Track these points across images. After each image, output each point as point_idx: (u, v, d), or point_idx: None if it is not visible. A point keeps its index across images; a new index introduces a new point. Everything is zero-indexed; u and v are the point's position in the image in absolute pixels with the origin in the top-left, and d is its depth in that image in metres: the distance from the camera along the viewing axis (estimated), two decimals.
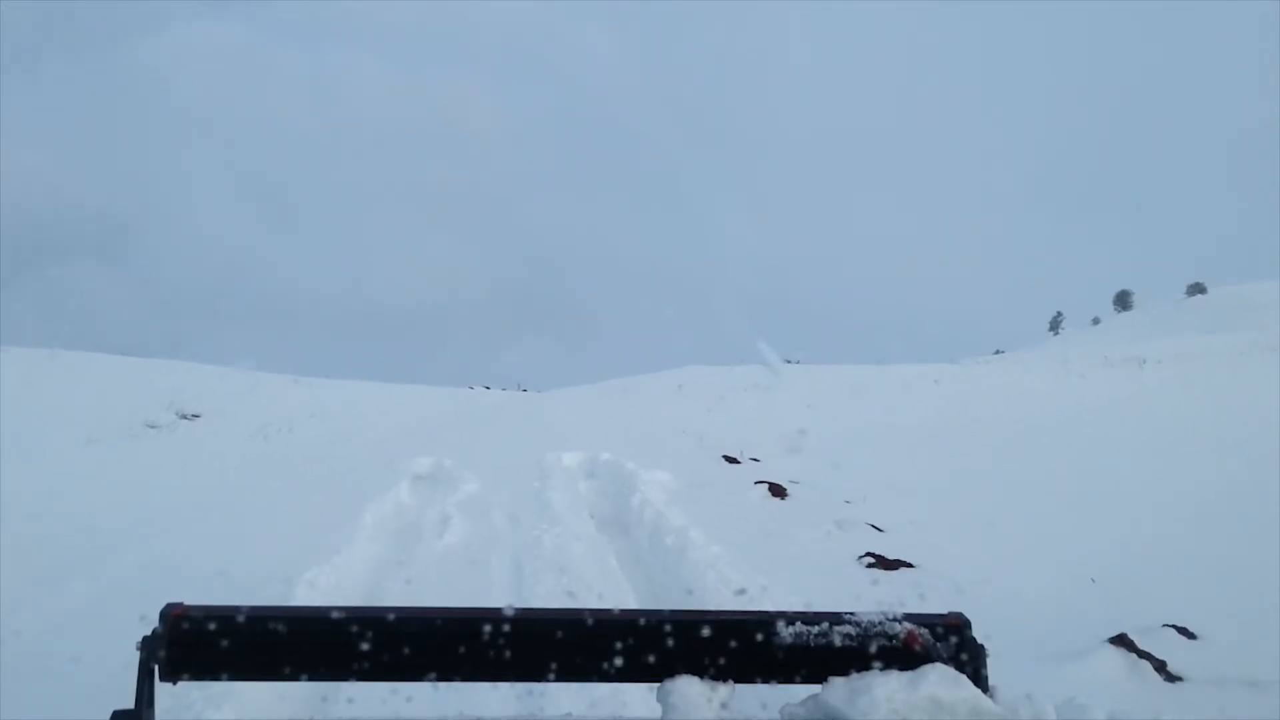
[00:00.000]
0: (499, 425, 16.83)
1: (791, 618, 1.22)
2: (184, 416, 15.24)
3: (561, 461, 12.06)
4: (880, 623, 1.22)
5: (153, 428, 13.83)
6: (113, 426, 13.70)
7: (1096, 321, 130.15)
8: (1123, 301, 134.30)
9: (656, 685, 1.23)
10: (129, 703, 1.15)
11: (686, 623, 1.22)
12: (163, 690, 1.16)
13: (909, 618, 1.23)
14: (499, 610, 1.21)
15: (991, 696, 1.17)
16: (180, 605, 1.21)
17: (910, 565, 6.47)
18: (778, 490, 9.43)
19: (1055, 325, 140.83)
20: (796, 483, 10.05)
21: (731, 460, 11.73)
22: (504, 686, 1.42)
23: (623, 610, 1.28)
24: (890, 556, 6.57)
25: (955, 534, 7.64)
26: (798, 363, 28.79)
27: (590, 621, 1.23)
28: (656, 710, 1.21)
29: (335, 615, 1.21)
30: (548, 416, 18.04)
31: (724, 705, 1.20)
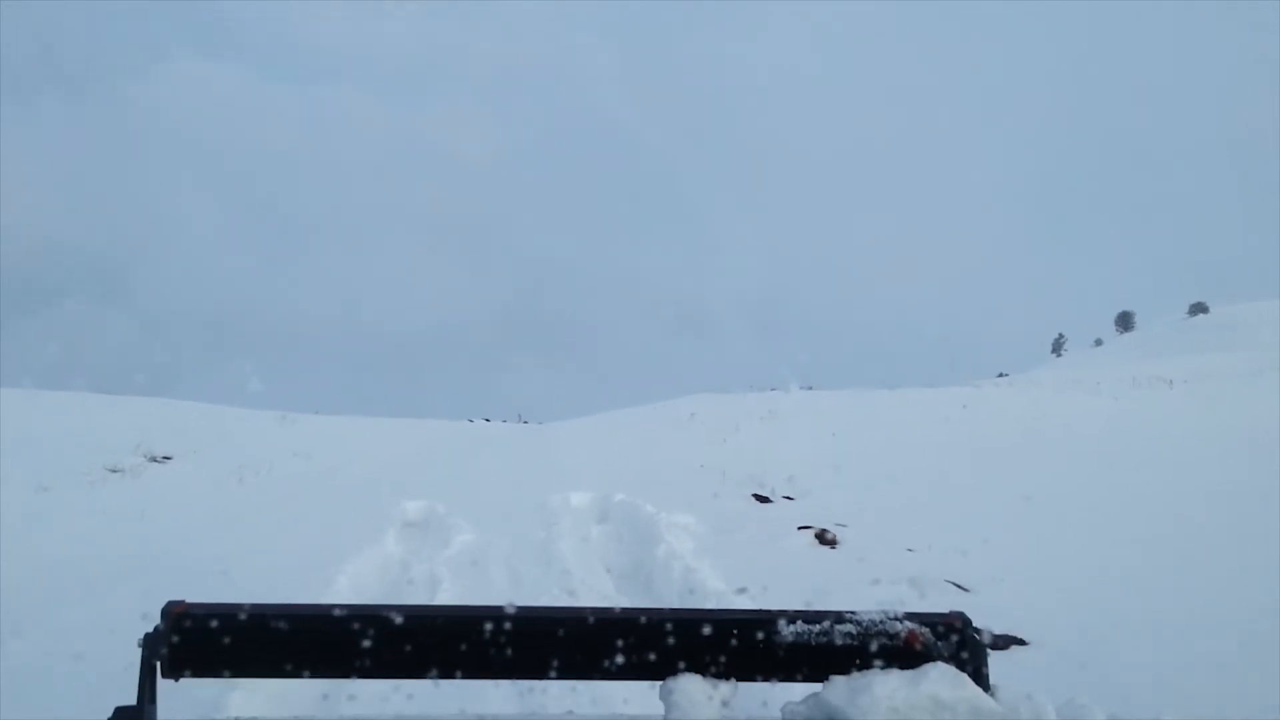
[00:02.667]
0: (498, 462, 15.47)
1: (793, 616, 1.23)
2: (153, 459, 13.87)
3: (569, 503, 10.71)
4: (881, 621, 1.22)
5: (115, 472, 12.46)
6: (71, 471, 12.33)
7: (1099, 343, 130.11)
8: (1125, 322, 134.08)
9: (658, 683, 1.22)
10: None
11: (688, 621, 1.23)
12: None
13: (910, 617, 1.23)
14: (500, 608, 1.22)
15: (992, 695, 1.16)
16: (182, 602, 1.22)
17: (1022, 642, 5.13)
18: (825, 537, 8.08)
19: (1057, 347, 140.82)
20: (844, 525, 8.71)
21: (762, 499, 10.39)
22: (505, 684, 1.48)
23: (624, 609, 1.27)
24: (995, 630, 5.22)
25: (1057, 594, 6.27)
26: (809, 388, 27.44)
27: (591, 620, 1.23)
28: (656, 707, 1.21)
29: (337, 613, 1.21)
30: (551, 451, 16.68)
31: (725, 703, 1.20)
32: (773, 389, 27.35)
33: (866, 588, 6.32)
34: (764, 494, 10.50)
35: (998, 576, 6.63)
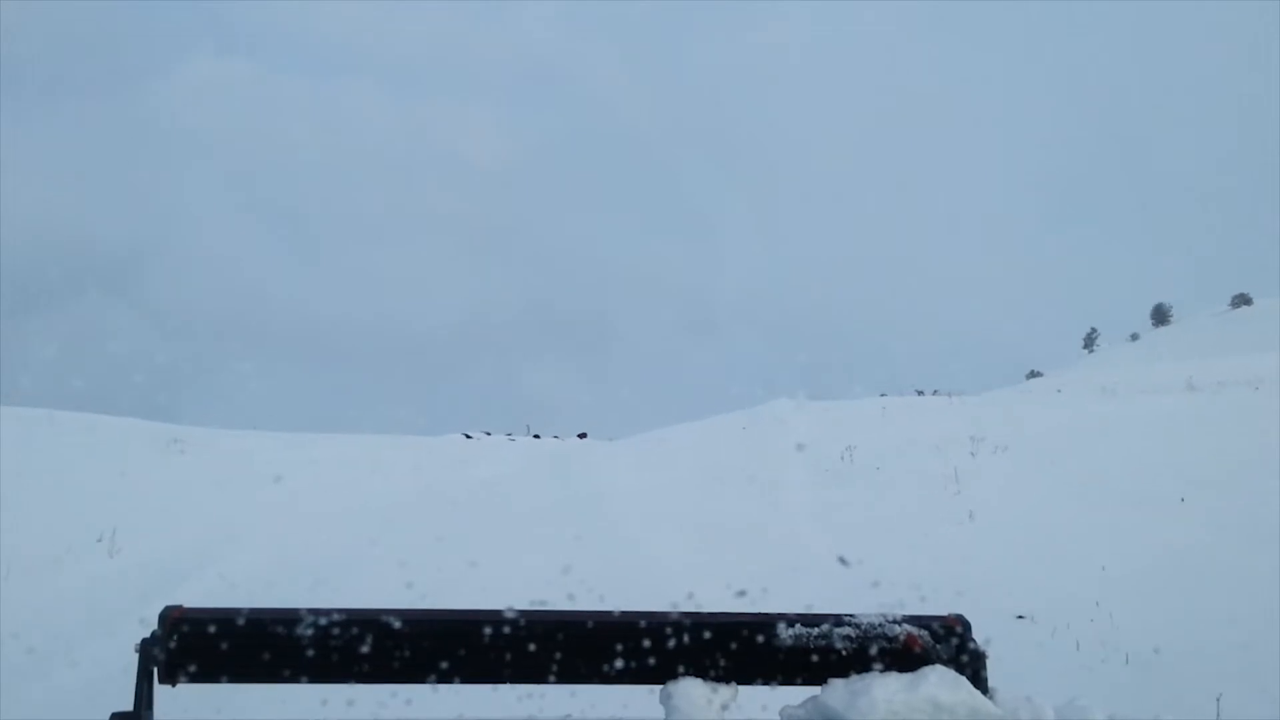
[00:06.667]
0: (494, 550, 7.78)
1: (792, 620, 1.21)
2: None
3: None
4: (880, 625, 1.21)
5: None
6: None
7: (1135, 338, 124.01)
8: (1160, 316, 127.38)
9: (658, 687, 1.21)
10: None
11: (688, 625, 1.21)
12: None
13: (909, 619, 1.22)
14: (500, 612, 1.20)
15: (991, 698, 1.16)
16: (179, 607, 1.20)
17: None
18: None
19: (1090, 343, 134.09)
20: None
21: None
22: (504, 689, 1.34)
23: (623, 612, 1.25)
24: None
25: None
26: (935, 394, 19.76)
27: (591, 624, 1.21)
28: (656, 711, 1.19)
29: (335, 617, 1.19)
30: (602, 517, 8.96)
31: (725, 707, 1.19)
32: (883, 394, 19.89)
33: None
34: None
35: None
